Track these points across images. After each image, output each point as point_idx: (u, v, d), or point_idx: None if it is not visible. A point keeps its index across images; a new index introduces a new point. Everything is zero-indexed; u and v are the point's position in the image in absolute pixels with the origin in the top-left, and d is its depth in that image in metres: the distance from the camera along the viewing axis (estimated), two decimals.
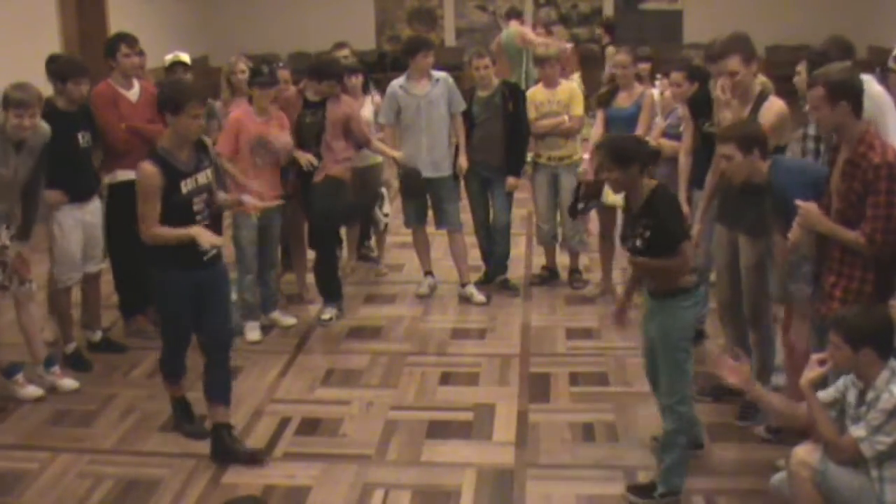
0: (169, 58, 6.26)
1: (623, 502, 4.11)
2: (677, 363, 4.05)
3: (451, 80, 6.45)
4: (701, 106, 5.27)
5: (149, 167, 4.23)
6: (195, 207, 4.32)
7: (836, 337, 3.38)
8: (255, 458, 4.48)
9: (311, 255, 6.89)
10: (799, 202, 3.81)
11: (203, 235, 4.23)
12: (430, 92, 6.33)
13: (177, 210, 4.25)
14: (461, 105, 6.42)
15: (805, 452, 3.50)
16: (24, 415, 5.01)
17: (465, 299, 6.51)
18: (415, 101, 6.31)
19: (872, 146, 3.64)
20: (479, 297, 6.53)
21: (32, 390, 5.15)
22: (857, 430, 3.34)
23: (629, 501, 4.08)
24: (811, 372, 3.50)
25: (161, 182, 4.20)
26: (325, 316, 6.25)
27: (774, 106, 4.56)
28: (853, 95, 3.70)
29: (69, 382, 5.29)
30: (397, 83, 6.41)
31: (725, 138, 4.17)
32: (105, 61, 5.77)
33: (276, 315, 6.17)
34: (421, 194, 6.39)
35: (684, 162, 5.40)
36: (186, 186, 4.28)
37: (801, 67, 4.86)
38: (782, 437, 4.35)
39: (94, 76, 5.64)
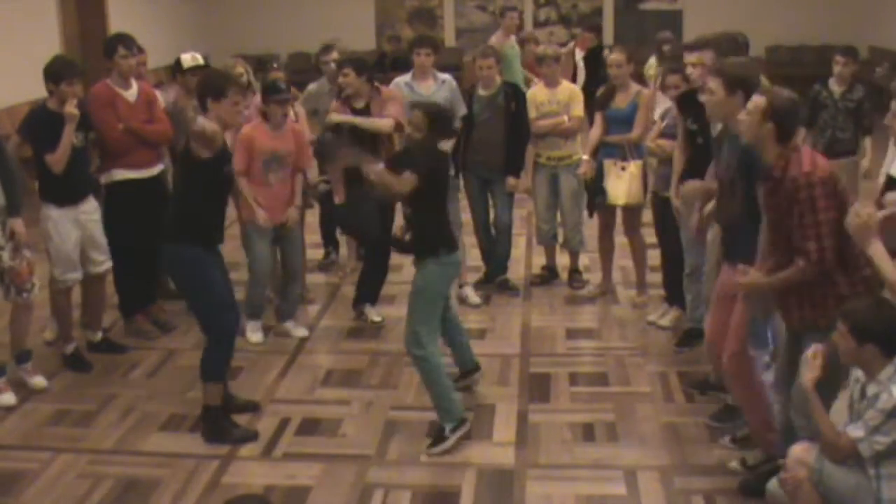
0: (188, 60, 6.13)
1: (622, 502, 4.12)
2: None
3: (454, 83, 6.43)
4: (689, 104, 5.30)
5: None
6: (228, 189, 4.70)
7: (842, 326, 3.36)
8: (250, 408, 4.91)
9: (310, 254, 6.92)
10: (739, 274, 3.89)
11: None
12: (436, 93, 6.30)
13: (221, 185, 4.60)
14: (462, 110, 6.39)
15: (802, 451, 3.50)
16: (24, 415, 5.00)
17: (461, 299, 6.51)
18: (419, 99, 6.25)
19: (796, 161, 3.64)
20: (475, 298, 6.53)
21: (7, 398, 5.08)
22: (856, 431, 3.33)
23: (429, 454, 4.48)
24: (811, 371, 3.50)
25: (217, 148, 4.46)
26: (377, 318, 6.22)
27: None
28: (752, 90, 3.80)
29: (38, 381, 5.26)
30: (402, 81, 6.39)
31: (714, 71, 4.17)
32: (104, 62, 5.77)
33: (289, 325, 6.06)
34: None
35: (677, 159, 5.43)
36: (228, 169, 4.61)
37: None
38: (760, 472, 4.14)
39: (95, 76, 5.63)
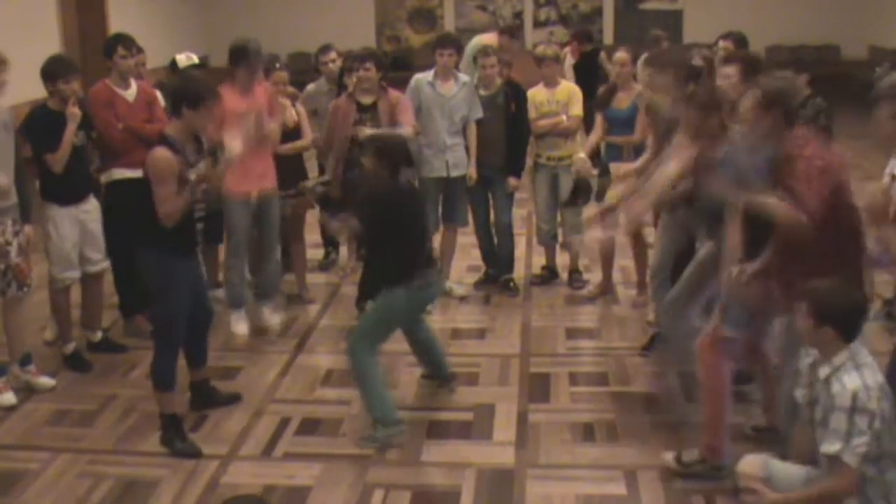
0: (183, 60, 6.14)
1: (622, 502, 4.12)
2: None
3: (473, 86, 6.39)
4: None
5: (165, 152, 4.38)
6: (196, 195, 4.56)
7: (804, 306, 3.36)
8: (233, 399, 5.02)
9: (310, 254, 6.92)
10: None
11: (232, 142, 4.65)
12: (456, 94, 6.28)
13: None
14: (478, 112, 6.36)
15: (747, 465, 3.51)
16: (24, 415, 5.01)
17: (446, 292, 6.52)
18: (440, 100, 6.25)
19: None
20: (460, 290, 6.59)
21: (7, 398, 5.09)
22: (831, 446, 3.21)
23: (361, 444, 4.59)
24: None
25: (176, 166, 4.38)
26: None
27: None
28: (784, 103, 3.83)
29: (46, 381, 5.28)
30: (424, 78, 6.34)
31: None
32: (104, 62, 5.77)
33: (265, 310, 6.01)
34: None
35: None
36: (192, 176, 4.48)
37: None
38: (691, 471, 4.21)
39: (95, 75, 5.63)
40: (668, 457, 4.27)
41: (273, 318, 6.02)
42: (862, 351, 3.34)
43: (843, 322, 3.31)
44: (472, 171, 6.39)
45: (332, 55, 6.92)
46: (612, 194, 6.15)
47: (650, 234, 6.41)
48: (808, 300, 3.35)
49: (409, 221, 4.68)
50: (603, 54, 10.11)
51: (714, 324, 4.16)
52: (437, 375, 5.15)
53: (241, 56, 5.67)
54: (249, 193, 5.71)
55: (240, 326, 5.85)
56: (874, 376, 3.27)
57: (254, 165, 5.66)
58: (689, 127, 4.25)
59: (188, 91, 4.51)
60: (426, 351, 5.08)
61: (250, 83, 5.69)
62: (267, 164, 5.80)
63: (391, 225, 4.58)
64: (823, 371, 3.33)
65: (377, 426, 4.60)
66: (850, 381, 3.23)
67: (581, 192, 6.34)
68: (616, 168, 6.05)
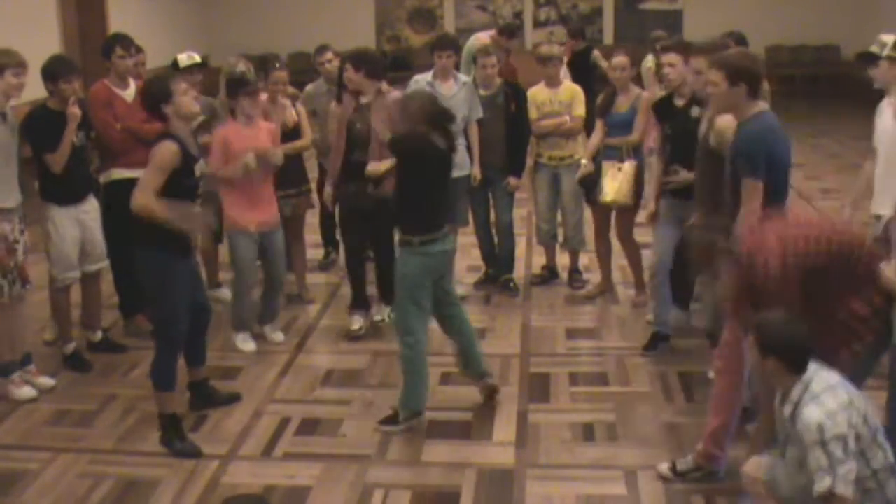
0: (184, 59, 6.15)
1: (622, 502, 4.12)
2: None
3: (472, 86, 6.39)
4: (665, 109, 5.31)
5: (173, 145, 4.43)
6: (198, 191, 4.64)
7: (751, 338, 3.36)
8: (233, 399, 5.04)
9: (310, 254, 6.92)
10: None
11: (189, 222, 4.47)
12: (457, 94, 6.27)
13: (185, 192, 4.51)
14: (479, 112, 6.36)
15: (751, 468, 3.50)
16: (24, 415, 5.01)
17: (460, 297, 6.48)
18: (440, 100, 6.26)
19: None
20: (459, 290, 6.54)
21: (27, 391, 5.13)
22: (822, 484, 3.14)
23: (381, 431, 4.71)
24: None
25: (178, 163, 4.42)
26: (378, 317, 6.19)
27: None
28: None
29: (46, 381, 5.29)
30: (423, 79, 6.35)
31: (713, 64, 4.15)
32: (103, 62, 5.78)
33: (268, 329, 6.00)
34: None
35: (656, 165, 5.49)
36: (197, 171, 4.57)
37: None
38: (687, 480, 4.22)
39: (95, 75, 5.64)
40: (663, 467, 4.27)
41: (276, 334, 5.98)
42: (817, 377, 3.26)
43: (785, 354, 3.27)
44: (477, 172, 6.39)
45: (329, 55, 6.90)
46: (605, 191, 6.14)
47: (647, 234, 6.42)
48: (755, 332, 3.33)
49: (438, 172, 4.73)
50: (596, 52, 10.10)
51: (732, 331, 4.10)
52: (469, 370, 5.05)
53: (240, 84, 5.63)
54: (252, 225, 5.63)
55: (247, 345, 5.83)
56: (836, 398, 3.19)
57: (262, 193, 5.65)
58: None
59: (153, 94, 4.55)
60: (456, 336, 5.05)
61: (253, 111, 5.65)
62: (269, 193, 5.76)
63: (415, 171, 4.62)
64: (787, 409, 3.30)
65: (401, 414, 4.74)
66: (811, 416, 3.16)
67: (589, 188, 6.32)
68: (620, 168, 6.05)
